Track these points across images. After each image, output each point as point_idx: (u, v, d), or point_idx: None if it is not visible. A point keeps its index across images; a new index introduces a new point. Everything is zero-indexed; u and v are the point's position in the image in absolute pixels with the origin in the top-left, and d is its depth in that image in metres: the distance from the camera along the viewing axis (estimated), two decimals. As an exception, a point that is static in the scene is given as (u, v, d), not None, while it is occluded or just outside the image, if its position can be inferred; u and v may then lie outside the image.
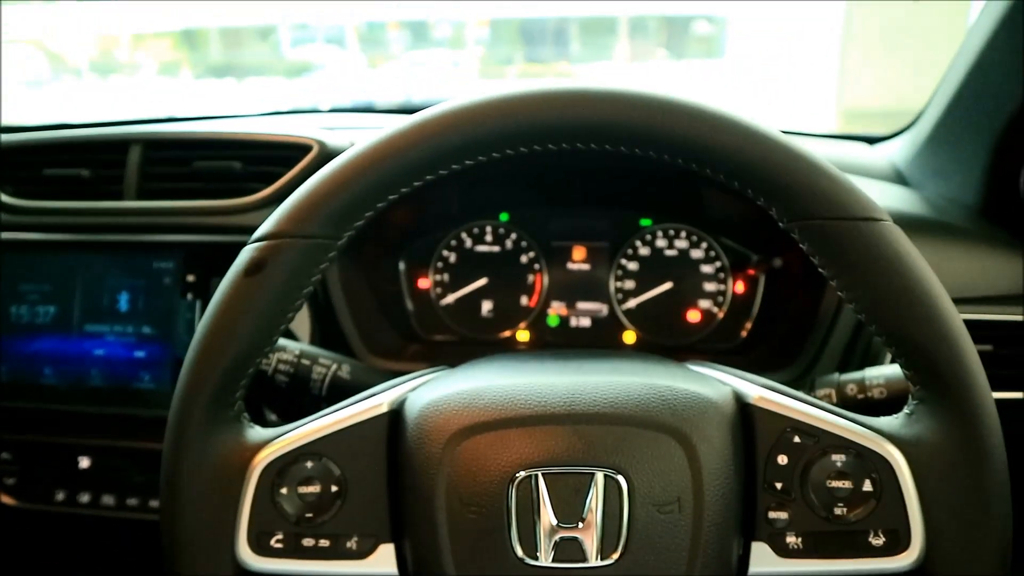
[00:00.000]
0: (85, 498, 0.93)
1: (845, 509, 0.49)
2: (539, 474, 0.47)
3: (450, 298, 1.02)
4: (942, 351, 0.47)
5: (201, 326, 0.51)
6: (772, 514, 0.50)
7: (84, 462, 0.94)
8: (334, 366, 0.72)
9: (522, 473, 0.47)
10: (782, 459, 0.50)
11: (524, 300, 1.01)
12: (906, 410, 0.50)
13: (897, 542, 0.48)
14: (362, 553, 0.51)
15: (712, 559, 0.48)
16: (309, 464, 0.51)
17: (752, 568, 0.50)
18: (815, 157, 0.48)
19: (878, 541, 0.48)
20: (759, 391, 0.52)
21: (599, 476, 0.47)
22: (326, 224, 0.50)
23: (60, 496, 0.94)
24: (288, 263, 0.50)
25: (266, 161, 0.92)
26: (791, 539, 0.49)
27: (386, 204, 0.51)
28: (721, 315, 0.99)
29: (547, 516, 0.47)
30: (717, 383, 0.54)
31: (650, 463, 0.48)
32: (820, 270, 0.50)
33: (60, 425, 0.93)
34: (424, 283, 1.02)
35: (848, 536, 0.49)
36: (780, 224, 0.50)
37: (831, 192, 0.48)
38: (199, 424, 0.50)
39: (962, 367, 0.47)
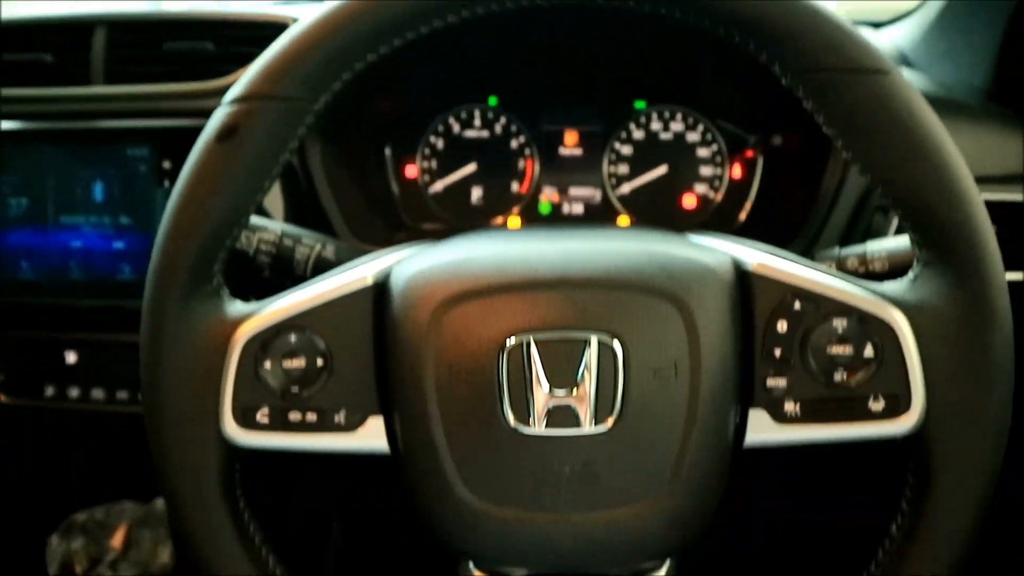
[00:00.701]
0: (75, 392, 0.93)
1: (845, 375, 0.48)
2: (531, 339, 0.45)
3: (438, 185, 0.98)
4: (953, 209, 0.45)
5: (173, 197, 0.49)
6: (770, 381, 0.49)
7: (71, 357, 0.92)
8: (318, 246, 0.69)
9: (513, 339, 0.46)
10: (781, 325, 0.49)
11: (515, 186, 0.98)
12: (911, 275, 0.49)
13: (896, 406, 0.47)
14: (350, 426, 0.49)
15: (709, 425, 0.47)
16: (293, 337, 0.49)
17: (749, 435, 0.49)
18: (822, 6, 0.45)
19: (877, 406, 0.47)
20: (759, 257, 0.50)
21: (593, 341, 0.45)
22: (302, 84, 0.47)
23: (50, 391, 0.93)
24: (263, 127, 0.48)
25: (241, 42, 0.86)
26: (789, 406, 0.48)
27: (364, 65, 0.48)
28: (719, 199, 0.96)
29: (539, 383, 0.45)
30: (715, 251, 0.52)
31: (646, 328, 0.46)
32: (824, 127, 0.47)
33: (43, 320, 0.91)
34: (411, 170, 0.98)
35: (847, 402, 0.48)
36: (783, 80, 0.47)
37: (839, 42, 0.45)
38: (176, 299, 0.48)
39: (971, 226, 0.45)
